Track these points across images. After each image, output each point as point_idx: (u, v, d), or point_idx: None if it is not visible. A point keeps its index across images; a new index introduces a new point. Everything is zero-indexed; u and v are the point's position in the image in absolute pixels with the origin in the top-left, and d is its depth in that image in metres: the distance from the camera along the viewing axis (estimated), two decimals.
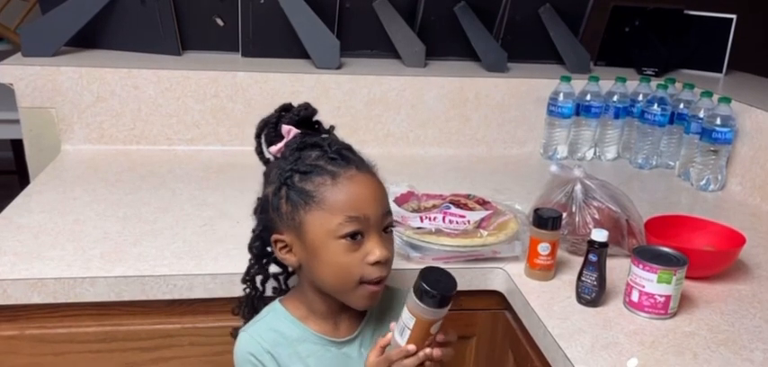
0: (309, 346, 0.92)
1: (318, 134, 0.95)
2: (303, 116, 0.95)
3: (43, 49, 1.68)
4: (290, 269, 0.99)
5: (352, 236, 0.86)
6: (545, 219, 1.13)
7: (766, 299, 1.15)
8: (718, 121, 1.63)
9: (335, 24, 1.88)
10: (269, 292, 1.01)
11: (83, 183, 1.46)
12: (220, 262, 1.14)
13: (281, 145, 0.93)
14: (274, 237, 0.91)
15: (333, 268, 0.88)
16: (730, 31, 2.04)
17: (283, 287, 1.01)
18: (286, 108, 0.96)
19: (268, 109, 1.69)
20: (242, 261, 1.13)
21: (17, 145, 3.02)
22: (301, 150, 0.90)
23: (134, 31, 1.80)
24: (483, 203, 1.32)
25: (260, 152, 0.97)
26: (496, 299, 1.21)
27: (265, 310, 0.96)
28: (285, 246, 0.91)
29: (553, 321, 1.03)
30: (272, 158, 0.96)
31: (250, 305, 1.00)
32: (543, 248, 1.13)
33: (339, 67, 1.81)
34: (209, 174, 1.57)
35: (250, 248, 0.97)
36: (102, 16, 1.75)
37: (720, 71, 2.08)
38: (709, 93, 1.70)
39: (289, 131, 0.93)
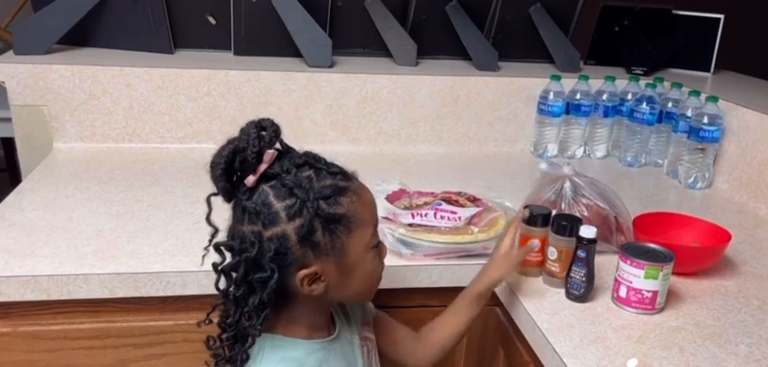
0: (316, 356, 0.90)
1: (287, 149, 0.87)
2: (275, 135, 0.84)
3: (35, 47, 1.68)
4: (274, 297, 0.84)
5: (378, 241, 0.90)
6: (535, 216, 1.14)
7: (752, 294, 1.17)
8: (706, 120, 1.65)
9: (327, 23, 1.88)
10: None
11: (75, 180, 1.46)
12: (214, 259, 1.14)
13: (261, 170, 0.83)
14: (303, 273, 0.83)
15: (368, 278, 0.90)
16: (718, 30, 2.06)
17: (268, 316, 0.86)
18: (262, 126, 0.83)
19: (260, 107, 1.72)
20: None
21: (7, 143, 3.01)
22: (302, 175, 0.83)
23: (126, 29, 1.80)
24: (474, 200, 1.34)
25: (229, 188, 0.84)
26: None
27: (263, 351, 0.88)
28: (317, 278, 0.85)
29: (542, 316, 1.05)
30: (243, 190, 0.83)
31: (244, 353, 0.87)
32: (533, 245, 1.15)
33: (331, 66, 1.81)
34: (201, 171, 1.54)
35: (238, 300, 0.84)
36: (94, 14, 1.75)
37: (708, 70, 2.10)
38: (696, 92, 1.72)
39: (272, 155, 0.83)
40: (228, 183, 0.84)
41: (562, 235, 1.11)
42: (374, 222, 0.89)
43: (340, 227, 0.83)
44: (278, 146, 0.85)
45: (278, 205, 0.82)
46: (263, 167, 0.83)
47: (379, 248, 0.91)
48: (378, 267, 0.92)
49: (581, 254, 1.07)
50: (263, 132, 0.83)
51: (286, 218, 0.81)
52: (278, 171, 0.83)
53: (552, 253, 1.13)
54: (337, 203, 0.83)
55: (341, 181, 0.85)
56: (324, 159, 0.87)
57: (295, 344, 0.90)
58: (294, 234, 0.81)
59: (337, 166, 0.87)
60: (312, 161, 0.86)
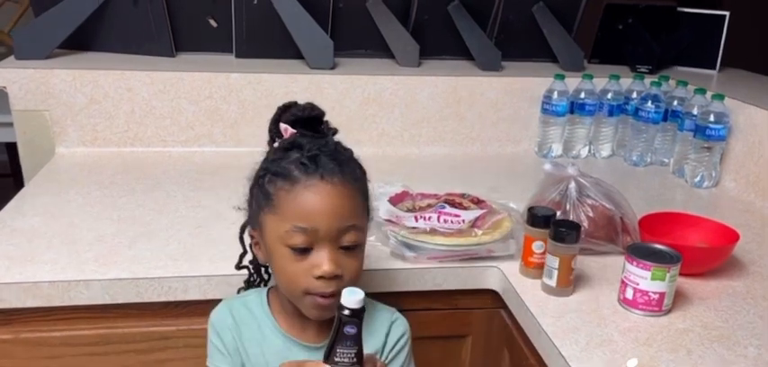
0: (273, 342, 0.94)
1: (318, 135, 0.93)
2: (299, 117, 0.95)
3: (36, 52, 1.68)
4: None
5: (299, 245, 0.86)
6: (539, 218, 1.13)
7: (760, 295, 1.15)
8: (712, 118, 1.64)
9: (329, 24, 1.88)
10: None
11: (77, 185, 1.45)
12: (215, 263, 1.13)
13: (276, 144, 0.95)
14: (248, 230, 0.97)
15: (282, 274, 0.89)
16: (723, 27, 2.04)
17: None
18: (286, 106, 0.97)
19: (262, 110, 1.71)
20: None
21: (12, 148, 3.01)
22: (287, 150, 0.90)
23: (127, 33, 1.79)
24: (478, 202, 1.32)
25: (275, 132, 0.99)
26: (492, 298, 1.21)
27: (252, 290, 1.01)
28: (256, 243, 0.96)
29: (548, 319, 1.03)
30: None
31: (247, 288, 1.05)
32: (537, 247, 1.13)
33: (333, 67, 1.80)
34: (203, 175, 1.57)
35: (239, 237, 1.01)
36: (94, 18, 1.74)
37: (714, 68, 2.08)
38: (702, 90, 1.71)
39: (285, 130, 0.94)
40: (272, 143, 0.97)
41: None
42: (295, 223, 0.85)
43: (263, 202, 0.89)
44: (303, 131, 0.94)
45: (262, 163, 0.94)
46: (285, 135, 0.94)
47: (304, 254, 0.86)
48: (297, 273, 0.87)
49: (350, 330, 0.79)
50: (284, 111, 0.96)
51: (255, 175, 0.93)
52: (297, 142, 0.91)
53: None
54: (273, 182, 0.88)
55: (297, 169, 0.86)
56: (318, 151, 0.88)
57: (266, 314, 0.95)
58: (249, 191, 0.94)
59: (321, 160, 0.87)
60: (307, 146, 0.89)
